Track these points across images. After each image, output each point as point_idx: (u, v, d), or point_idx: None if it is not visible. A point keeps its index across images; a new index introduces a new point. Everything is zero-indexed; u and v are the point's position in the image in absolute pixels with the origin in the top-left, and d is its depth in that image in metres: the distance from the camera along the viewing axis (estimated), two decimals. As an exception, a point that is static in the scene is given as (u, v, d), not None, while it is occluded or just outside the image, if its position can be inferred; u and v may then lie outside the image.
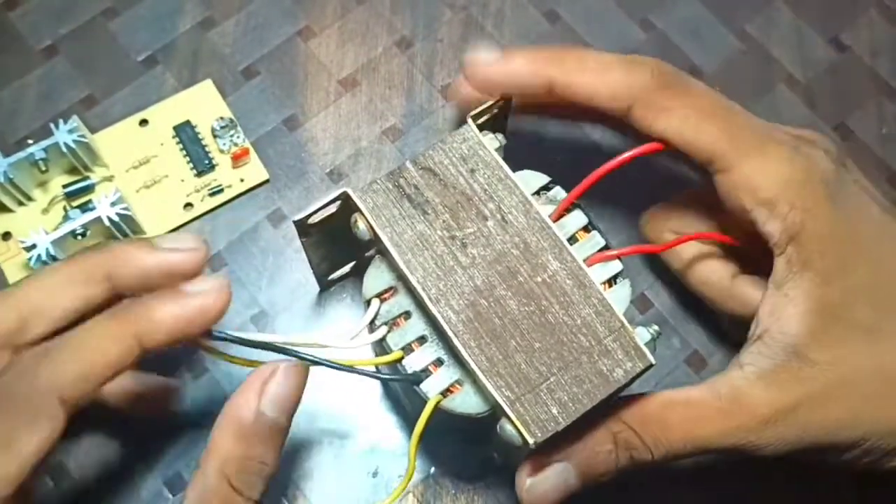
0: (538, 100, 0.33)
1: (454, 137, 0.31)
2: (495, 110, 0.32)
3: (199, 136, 0.41)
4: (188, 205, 0.41)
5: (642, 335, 0.29)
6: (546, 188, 0.31)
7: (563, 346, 0.29)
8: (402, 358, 0.29)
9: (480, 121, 0.32)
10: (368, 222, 0.30)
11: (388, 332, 0.29)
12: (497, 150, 0.31)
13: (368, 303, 0.30)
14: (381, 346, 0.30)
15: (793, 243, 0.30)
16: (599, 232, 0.31)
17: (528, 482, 0.30)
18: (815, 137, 0.33)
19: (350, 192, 0.30)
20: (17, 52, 0.43)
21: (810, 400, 0.30)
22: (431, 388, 0.29)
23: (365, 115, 0.43)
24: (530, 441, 0.27)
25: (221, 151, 0.41)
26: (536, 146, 0.39)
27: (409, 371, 0.29)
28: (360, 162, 0.42)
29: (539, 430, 0.28)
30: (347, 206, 0.31)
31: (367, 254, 0.31)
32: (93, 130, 0.41)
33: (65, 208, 0.39)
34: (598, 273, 0.30)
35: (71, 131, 0.38)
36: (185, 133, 0.41)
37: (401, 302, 0.30)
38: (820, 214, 0.30)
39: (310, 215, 0.31)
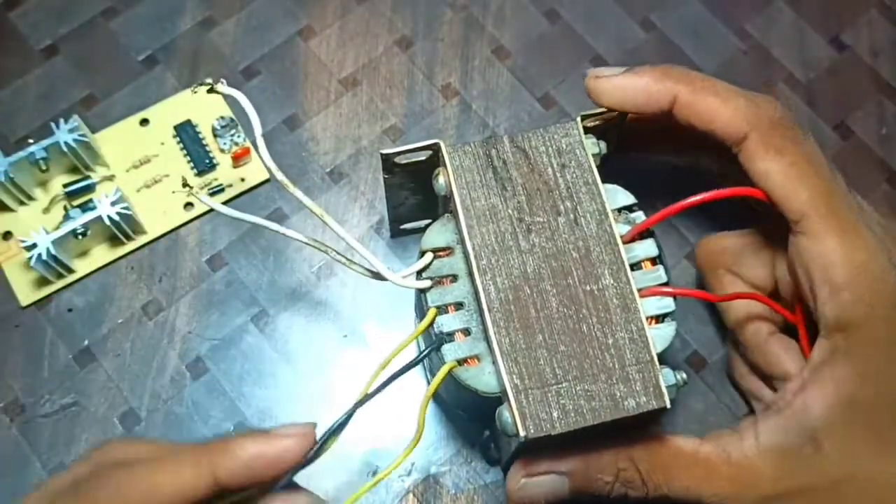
0: (652, 118, 0.33)
1: (557, 129, 0.31)
2: (607, 118, 0.33)
3: (200, 136, 0.41)
4: (188, 204, 0.41)
5: (667, 377, 0.29)
6: (630, 209, 0.31)
7: (586, 357, 0.29)
8: (435, 317, 0.30)
9: (588, 123, 0.32)
10: (448, 179, 0.30)
11: (432, 286, 0.30)
12: (594, 155, 0.31)
13: (422, 254, 0.31)
14: (420, 300, 0.31)
15: (842, 333, 0.30)
16: (665, 269, 0.31)
17: (522, 481, 0.31)
18: None
19: (442, 145, 0.31)
20: (17, 52, 0.43)
21: (813, 490, 0.30)
22: (451, 352, 0.29)
23: (366, 114, 0.43)
24: (522, 434, 0.27)
25: (222, 151, 0.41)
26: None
27: (438, 331, 0.30)
28: (361, 161, 0.42)
29: (534, 427, 0.28)
30: (435, 159, 0.31)
31: (444, 214, 0.32)
32: (93, 130, 0.41)
33: (65, 207, 0.39)
34: (650, 306, 0.30)
35: (71, 131, 0.38)
36: (186, 132, 0.41)
37: (453, 264, 0.30)
38: (881, 315, 0.30)
39: (397, 153, 0.31)
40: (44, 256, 0.37)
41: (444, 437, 0.38)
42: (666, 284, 0.30)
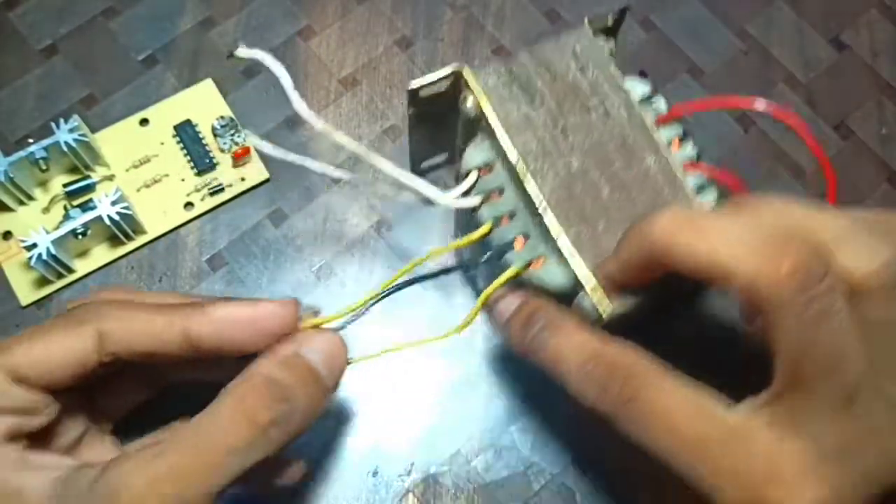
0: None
1: (569, 36, 0.33)
2: (609, 23, 0.34)
3: (200, 136, 0.41)
4: (188, 204, 0.41)
5: None
6: (649, 97, 0.33)
7: None
8: (491, 230, 0.31)
9: (597, 25, 0.33)
10: (478, 100, 0.32)
11: (482, 203, 0.32)
12: (609, 53, 0.33)
13: (466, 174, 0.32)
14: (470, 220, 0.32)
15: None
16: (693, 145, 0.32)
17: None
18: None
19: (464, 69, 0.32)
20: (17, 52, 0.43)
21: None
22: (515, 260, 0.31)
23: (365, 114, 0.43)
24: (604, 315, 0.29)
25: (222, 150, 0.41)
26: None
27: (497, 243, 0.31)
28: (361, 161, 0.42)
29: (615, 305, 0.29)
30: (457, 86, 0.33)
31: (465, 142, 0.33)
32: (93, 130, 0.41)
33: (65, 207, 0.39)
34: (689, 181, 0.31)
35: (71, 130, 0.38)
36: (186, 132, 0.41)
37: (496, 178, 0.32)
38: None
39: (424, 86, 0.32)
40: (44, 256, 0.36)
41: (443, 437, 0.38)
42: (698, 159, 0.32)
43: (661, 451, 0.25)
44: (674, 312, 0.35)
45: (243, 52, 0.31)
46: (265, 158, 0.41)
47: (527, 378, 0.38)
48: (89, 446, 0.31)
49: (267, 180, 0.41)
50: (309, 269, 0.40)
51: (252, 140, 0.31)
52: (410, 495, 0.37)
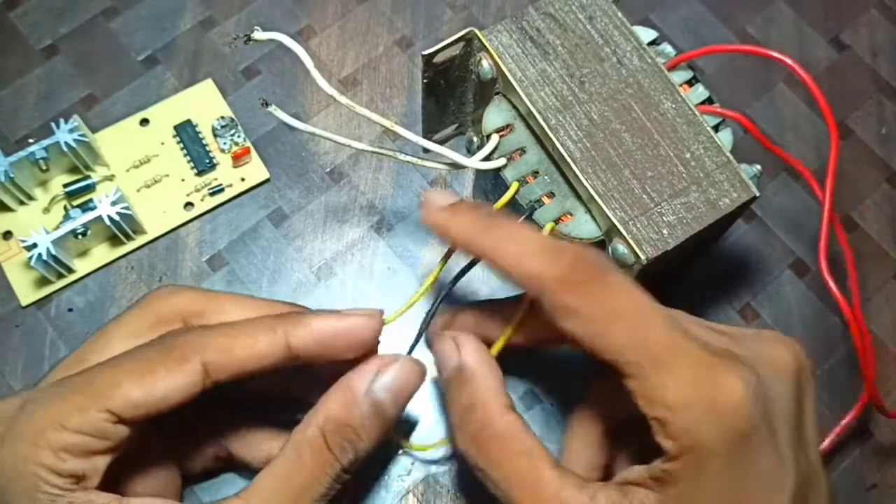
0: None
1: None
2: None
3: (200, 136, 0.41)
4: (189, 204, 0.41)
5: (747, 171, 0.32)
6: (655, 42, 0.34)
7: (673, 176, 0.31)
8: (519, 190, 0.32)
9: None
10: (494, 59, 0.32)
11: (506, 164, 0.32)
12: (615, 2, 0.34)
13: (488, 137, 0.33)
14: (494, 184, 0.33)
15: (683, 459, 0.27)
16: (704, 87, 0.33)
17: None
18: (754, 355, 0.28)
19: (476, 31, 0.33)
20: (18, 52, 0.43)
21: None
22: (544, 216, 0.32)
23: (365, 114, 0.43)
24: (642, 258, 0.30)
25: (222, 151, 0.41)
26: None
27: (527, 200, 0.32)
28: (361, 161, 0.42)
29: (651, 248, 0.30)
30: (470, 50, 0.33)
31: (479, 107, 0.34)
32: (93, 130, 0.41)
33: (65, 207, 0.39)
34: (705, 118, 0.32)
35: (72, 130, 0.38)
36: (186, 132, 0.41)
37: (518, 138, 0.33)
38: (709, 458, 0.27)
39: (438, 51, 0.33)
40: (44, 256, 0.37)
41: (443, 437, 0.38)
42: (710, 100, 0.34)
43: (608, 342, 0.27)
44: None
45: (260, 34, 0.31)
46: (265, 158, 0.41)
47: (526, 378, 0.38)
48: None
49: (267, 180, 0.41)
50: (309, 269, 0.40)
51: (279, 114, 0.32)
52: (410, 495, 0.37)
